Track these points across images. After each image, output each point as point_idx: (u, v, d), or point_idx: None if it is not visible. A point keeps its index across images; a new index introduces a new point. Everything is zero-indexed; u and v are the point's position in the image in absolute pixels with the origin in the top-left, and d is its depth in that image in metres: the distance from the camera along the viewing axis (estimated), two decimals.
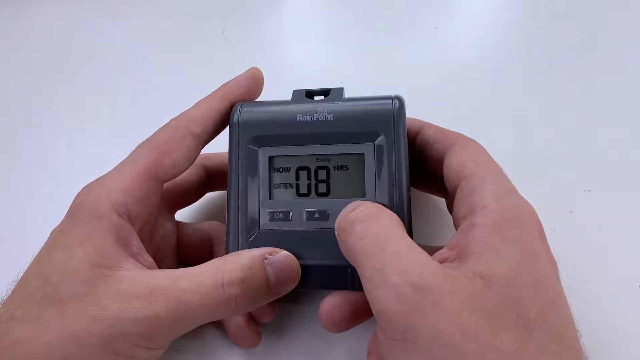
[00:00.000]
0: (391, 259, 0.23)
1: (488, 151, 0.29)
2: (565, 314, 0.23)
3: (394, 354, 0.23)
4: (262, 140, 0.31)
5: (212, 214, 0.40)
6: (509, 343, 0.21)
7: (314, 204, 0.30)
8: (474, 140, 0.30)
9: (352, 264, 0.26)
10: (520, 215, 0.25)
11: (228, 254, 0.29)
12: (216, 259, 0.28)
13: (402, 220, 0.28)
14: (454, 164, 0.28)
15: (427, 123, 0.32)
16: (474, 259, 0.23)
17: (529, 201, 0.26)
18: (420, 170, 0.33)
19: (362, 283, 0.24)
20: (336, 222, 0.27)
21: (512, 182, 0.28)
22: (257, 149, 0.31)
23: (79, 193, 0.29)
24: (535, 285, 0.23)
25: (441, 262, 0.25)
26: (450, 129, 0.32)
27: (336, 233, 0.27)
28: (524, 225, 0.25)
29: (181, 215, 0.37)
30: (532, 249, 0.24)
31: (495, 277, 0.22)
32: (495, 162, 0.29)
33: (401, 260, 0.23)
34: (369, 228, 0.25)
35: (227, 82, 0.33)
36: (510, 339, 0.21)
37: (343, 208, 0.28)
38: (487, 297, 0.22)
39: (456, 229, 0.28)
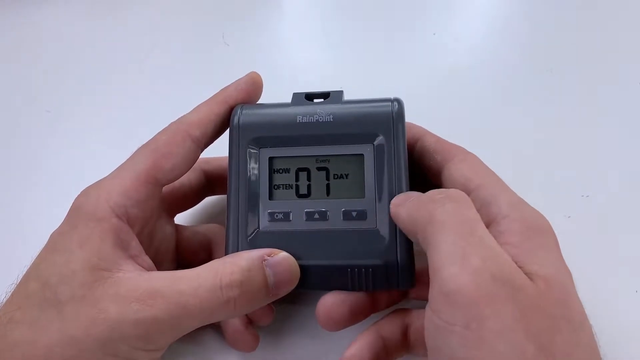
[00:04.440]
0: (478, 243, 0.23)
1: (487, 156, 0.30)
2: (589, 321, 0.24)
3: (448, 342, 0.22)
4: (262, 141, 0.31)
5: (211, 217, 0.40)
6: (562, 348, 0.21)
7: (314, 204, 0.30)
8: (472, 154, 0.30)
9: (419, 236, 0.25)
10: (541, 224, 0.26)
11: (227, 256, 0.29)
12: (215, 260, 0.28)
13: None
14: (455, 177, 0.29)
15: (428, 132, 0.33)
16: (520, 262, 0.24)
17: (531, 206, 0.27)
18: (419, 179, 0.33)
19: (431, 257, 0.23)
20: (415, 195, 0.27)
21: (509, 186, 0.28)
22: (257, 150, 0.31)
23: (78, 196, 0.29)
24: (572, 292, 0.23)
25: None
26: (449, 133, 0.32)
27: (409, 204, 0.27)
28: (547, 233, 0.25)
29: (180, 218, 0.37)
30: (559, 257, 0.25)
31: (551, 279, 0.23)
32: (495, 174, 0.29)
33: (486, 248, 0.23)
34: (462, 209, 0.24)
35: (227, 86, 0.33)
36: (563, 343, 0.21)
37: (342, 209, 0.28)
38: (548, 299, 0.22)
39: None
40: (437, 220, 0.24)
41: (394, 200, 0.28)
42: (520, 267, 0.23)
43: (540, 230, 0.25)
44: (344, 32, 0.52)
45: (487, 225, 0.26)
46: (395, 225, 0.28)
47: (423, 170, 0.32)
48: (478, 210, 0.27)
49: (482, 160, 0.30)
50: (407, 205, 0.27)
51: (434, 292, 0.23)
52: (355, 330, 0.29)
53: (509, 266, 0.23)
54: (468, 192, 0.28)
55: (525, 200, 0.27)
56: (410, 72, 0.48)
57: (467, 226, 0.24)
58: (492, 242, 0.23)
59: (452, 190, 0.26)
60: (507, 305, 0.21)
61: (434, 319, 0.23)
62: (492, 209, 0.26)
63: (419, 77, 0.47)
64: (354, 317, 0.29)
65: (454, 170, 0.29)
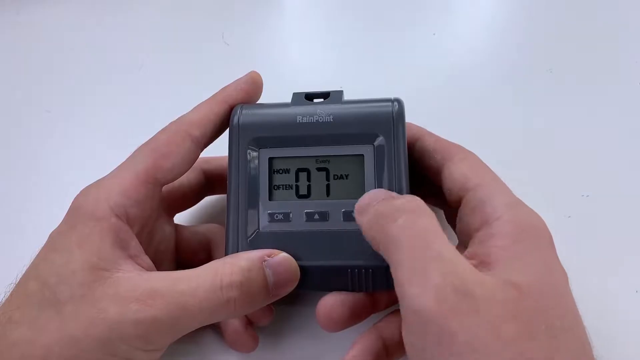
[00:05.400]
0: (435, 257, 0.22)
1: (487, 156, 0.30)
2: (582, 324, 0.24)
3: (423, 356, 0.22)
4: (262, 142, 0.31)
5: (210, 217, 0.40)
6: (540, 354, 0.21)
7: (314, 205, 0.30)
8: (472, 152, 0.30)
9: (382, 252, 0.25)
10: (535, 225, 0.25)
11: (227, 256, 0.29)
12: (215, 261, 0.28)
13: None
14: (455, 176, 0.29)
15: (428, 131, 0.33)
16: (501, 267, 0.23)
17: (527, 206, 0.27)
18: (419, 179, 0.33)
19: (395, 274, 0.23)
20: (372, 206, 0.26)
21: (509, 187, 0.28)
22: (257, 150, 0.31)
23: (77, 195, 0.29)
24: (559, 295, 0.23)
25: None
26: (449, 133, 0.32)
27: (367, 217, 0.26)
28: (540, 235, 0.25)
29: (180, 218, 0.37)
30: (549, 259, 0.24)
31: (527, 286, 0.22)
32: (495, 173, 0.29)
33: (445, 262, 0.22)
34: (416, 221, 0.24)
35: (227, 85, 0.33)
36: (541, 349, 0.21)
37: (343, 209, 0.28)
38: (522, 306, 0.22)
39: (461, 240, 0.28)
40: (391, 238, 0.24)
41: (357, 206, 0.27)
42: (496, 273, 0.23)
43: (532, 233, 0.25)
44: (344, 32, 0.52)
45: (481, 226, 0.26)
46: None
47: (423, 170, 0.32)
48: (473, 210, 0.27)
49: (482, 159, 0.30)
50: (365, 221, 0.26)
51: (403, 311, 0.23)
52: (355, 330, 0.29)
53: (473, 277, 0.22)
54: (466, 191, 0.28)
55: (525, 200, 0.27)
56: (410, 72, 0.47)
57: (423, 240, 0.23)
58: (452, 253, 0.23)
59: (405, 200, 0.26)
60: (473, 317, 0.21)
61: (408, 336, 0.23)
62: (486, 209, 0.26)
63: (418, 77, 0.47)
64: (354, 317, 0.29)
65: (453, 169, 0.29)
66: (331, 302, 0.28)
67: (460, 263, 0.23)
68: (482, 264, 0.24)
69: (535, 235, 0.25)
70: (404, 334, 0.23)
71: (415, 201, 0.25)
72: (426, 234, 0.24)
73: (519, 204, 0.27)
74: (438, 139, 0.32)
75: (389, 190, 0.29)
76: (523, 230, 0.25)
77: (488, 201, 0.26)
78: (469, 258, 0.25)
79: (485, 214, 0.26)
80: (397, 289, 0.23)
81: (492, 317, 0.21)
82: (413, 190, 0.34)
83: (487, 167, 0.30)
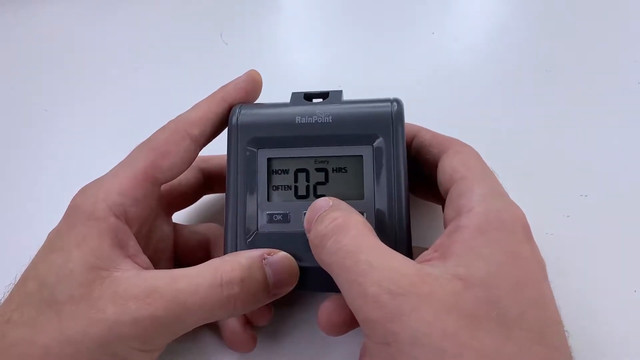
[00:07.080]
0: (366, 270, 0.23)
1: (485, 156, 0.29)
2: (550, 314, 0.23)
3: (379, 356, 0.23)
4: (261, 142, 0.31)
5: (209, 216, 0.40)
6: (488, 342, 0.21)
7: None
8: (468, 145, 0.30)
9: (331, 276, 0.26)
10: (505, 218, 0.25)
11: (226, 254, 0.29)
12: (214, 259, 0.28)
13: (401, 223, 0.28)
14: (446, 168, 0.29)
15: (423, 127, 0.33)
16: (454, 260, 0.24)
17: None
18: (417, 175, 0.33)
19: (343, 293, 0.25)
20: (309, 236, 0.27)
21: (508, 187, 0.28)
22: (255, 150, 0.31)
23: (75, 195, 0.29)
24: (516, 286, 0.23)
25: (424, 263, 0.25)
26: (447, 133, 0.32)
27: (311, 247, 0.27)
28: (509, 227, 0.25)
29: (178, 217, 0.37)
30: (515, 251, 0.24)
31: (474, 279, 0.23)
32: (487, 167, 0.29)
33: (375, 270, 0.23)
34: (339, 242, 0.25)
35: (226, 84, 0.33)
36: (489, 338, 0.21)
37: None
38: (466, 298, 0.22)
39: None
40: (326, 265, 0.26)
41: (307, 220, 0.28)
42: (447, 267, 0.23)
43: (500, 225, 0.25)
44: (342, 31, 0.52)
45: (453, 218, 0.26)
46: (394, 227, 0.28)
47: (420, 168, 0.32)
48: (451, 202, 0.27)
49: (479, 153, 0.30)
50: (312, 246, 0.27)
51: (357, 320, 0.24)
52: (354, 334, 0.29)
53: (410, 277, 0.23)
54: (452, 183, 0.28)
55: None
56: (409, 72, 0.47)
57: (350, 259, 0.24)
58: (383, 259, 0.24)
59: (328, 220, 0.26)
60: (412, 315, 0.22)
61: (365, 339, 0.24)
62: (461, 201, 0.26)
63: (418, 76, 0.47)
64: (355, 321, 0.29)
65: (446, 162, 0.29)
66: (331, 306, 0.28)
67: (393, 266, 0.23)
68: (443, 256, 0.25)
69: (501, 227, 0.25)
70: (365, 341, 0.25)
71: (337, 219, 0.26)
72: (351, 249, 0.24)
73: (496, 196, 0.26)
74: (435, 134, 0.32)
75: (389, 190, 0.29)
76: (489, 223, 0.25)
77: (466, 193, 0.26)
78: (435, 250, 0.26)
79: (459, 206, 0.26)
80: (349, 306, 0.24)
81: (433, 312, 0.22)
82: (413, 188, 0.34)
83: (481, 160, 0.29)
